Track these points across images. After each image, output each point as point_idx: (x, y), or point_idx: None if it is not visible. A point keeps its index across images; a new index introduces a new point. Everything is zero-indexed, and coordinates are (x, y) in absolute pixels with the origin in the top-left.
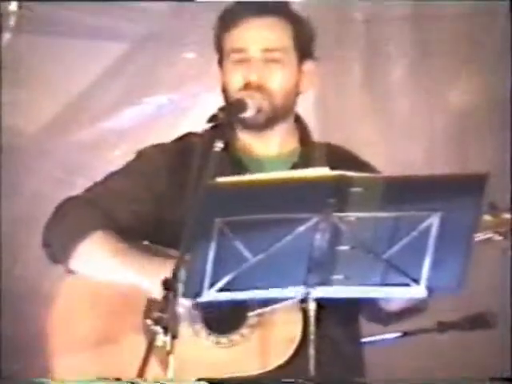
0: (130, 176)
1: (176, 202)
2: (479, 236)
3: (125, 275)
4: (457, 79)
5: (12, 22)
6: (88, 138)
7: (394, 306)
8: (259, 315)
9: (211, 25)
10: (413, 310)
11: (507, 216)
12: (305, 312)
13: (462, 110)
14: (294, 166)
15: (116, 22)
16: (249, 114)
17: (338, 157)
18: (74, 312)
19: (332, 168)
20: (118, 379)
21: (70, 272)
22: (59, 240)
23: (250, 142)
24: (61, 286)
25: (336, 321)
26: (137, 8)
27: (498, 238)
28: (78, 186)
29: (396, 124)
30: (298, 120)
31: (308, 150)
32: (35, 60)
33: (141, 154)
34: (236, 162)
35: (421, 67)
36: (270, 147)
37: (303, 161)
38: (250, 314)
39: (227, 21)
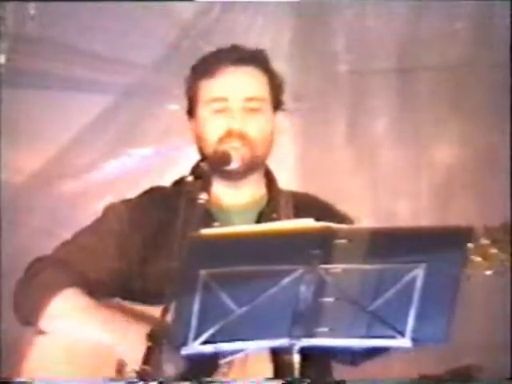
0: (97, 233)
1: (145, 256)
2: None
3: (94, 335)
4: (442, 132)
5: None
6: (73, 190)
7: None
8: (231, 362)
9: None
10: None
11: (486, 241)
12: (276, 360)
13: (448, 163)
14: (261, 214)
15: (100, 74)
16: (233, 166)
17: (304, 203)
18: (47, 367)
19: (299, 214)
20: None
21: (41, 333)
22: (29, 301)
23: (220, 192)
24: (34, 342)
25: (312, 368)
26: (121, 60)
27: (488, 273)
28: (64, 239)
29: (381, 177)
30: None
31: (275, 198)
32: (19, 113)
33: (107, 211)
34: (204, 212)
35: (405, 120)
36: (239, 196)
37: (270, 209)
38: (222, 361)
39: (203, 70)
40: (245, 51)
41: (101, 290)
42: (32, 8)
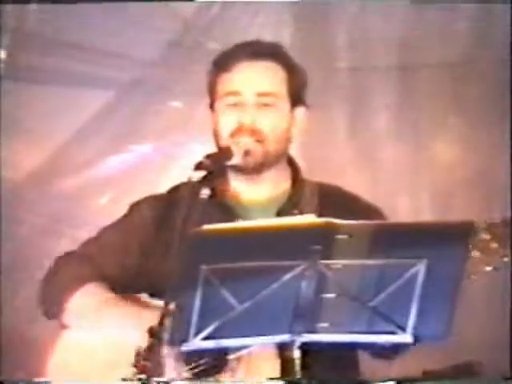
0: (120, 229)
1: (164, 252)
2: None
3: (114, 330)
4: (442, 129)
5: None
6: (73, 187)
7: None
8: (239, 358)
9: (198, 73)
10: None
11: (486, 236)
12: (283, 355)
13: (448, 160)
14: (281, 209)
15: (102, 69)
16: (234, 161)
17: (330, 195)
18: (68, 365)
19: (323, 207)
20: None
21: (64, 327)
22: (52, 295)
23: (240, 187)
24: (57, 339)
25: (321, 365)
26: (123, 56)
27: (488, 268)
28: (65, 235)
29: (381, 173)
30: (290, 161)
31: (298, 191)
32: (19, 108)
33: (132, 207)
34: (225, 208)
35: (406, 116)
36: (260, 192)
37: (291, 203)
38: (231, 357)
39: (222, 64)
40: (263, 46)
41: (121, 286)
42: (33, 3)
